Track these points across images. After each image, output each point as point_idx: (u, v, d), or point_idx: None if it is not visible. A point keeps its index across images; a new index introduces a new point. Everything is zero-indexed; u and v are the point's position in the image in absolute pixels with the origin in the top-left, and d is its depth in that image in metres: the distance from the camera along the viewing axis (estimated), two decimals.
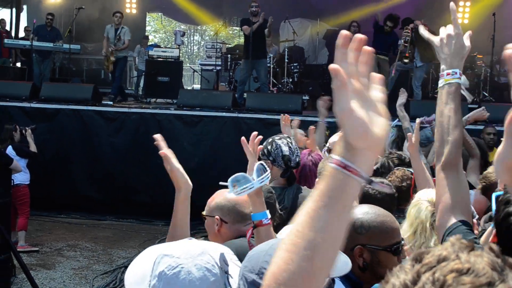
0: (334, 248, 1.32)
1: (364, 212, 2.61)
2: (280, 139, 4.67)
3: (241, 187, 2.72)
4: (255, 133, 3.26)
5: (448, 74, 2.50)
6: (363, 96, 1.30)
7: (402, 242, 2.66)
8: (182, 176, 2.85)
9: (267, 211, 2.85)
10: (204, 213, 3.23)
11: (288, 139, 4.70)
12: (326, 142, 6.70)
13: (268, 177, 2.79)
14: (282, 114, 6.53)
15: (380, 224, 2.58)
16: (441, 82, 2.53)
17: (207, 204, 3.21)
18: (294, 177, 4.74)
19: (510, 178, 1.38)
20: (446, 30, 2.58)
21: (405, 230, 3.14)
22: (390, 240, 2.58)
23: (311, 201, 1.31)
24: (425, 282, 0.97)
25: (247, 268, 1.95)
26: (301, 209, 1.33)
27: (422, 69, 13.77)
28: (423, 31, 2.70)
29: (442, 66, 2.55)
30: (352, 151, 1.29)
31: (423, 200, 3.19)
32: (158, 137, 2.86)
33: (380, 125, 1.30)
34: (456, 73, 2.51)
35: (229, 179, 2.72)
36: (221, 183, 2.74)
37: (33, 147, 9.70)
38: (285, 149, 4.60)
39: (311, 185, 4.91)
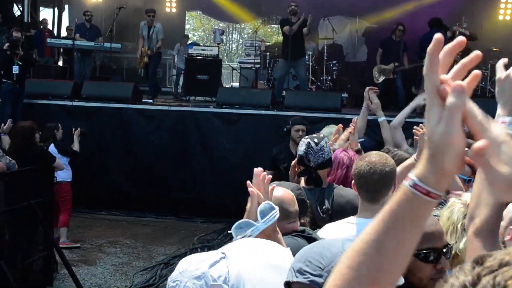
0: (398, 273, 1.27)
1: None
2: (306, 138, 4.62)
3: (243, 233, 2.64)
4: (262, 173, 2.89)
5: (504, 122, 1.98)
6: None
7: (445, 249, 2.46)
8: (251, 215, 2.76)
9: (287, 250, 2.81)
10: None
11: (315, 139, 4.56)
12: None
13: (275, 216, 2.64)
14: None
15: None
16: None
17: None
18: (320, 180, 4.56)
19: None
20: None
21: None
22: (420, 245, 2.37)
23: (380, 221, 1.24)
24: (485, 285, 0.94)
25: (296, 259, 1.98)
26: (369, 227, 1.27)
27: None
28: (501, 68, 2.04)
29: (499, 111, 2.02)
30: (439, 175, 1.20)
31: (457, 202, 3.13)
32: (258, 171, 2.78)
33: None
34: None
35: (232, 228, 2.64)
36: (229, 231, 2.66)
37: (76, 147, 9.83)
38: (302, 148, 4.52)
39: (346, 181, 4.76)
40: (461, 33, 12.58)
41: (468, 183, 4.26)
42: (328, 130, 6.73)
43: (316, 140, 4.55)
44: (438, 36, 1.19)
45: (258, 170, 2.87)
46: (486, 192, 1.94)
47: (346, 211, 4.09)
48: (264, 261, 2.11)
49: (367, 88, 7.19)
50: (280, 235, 2.74)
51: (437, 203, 1.23)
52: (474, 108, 1.18)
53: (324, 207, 4.29)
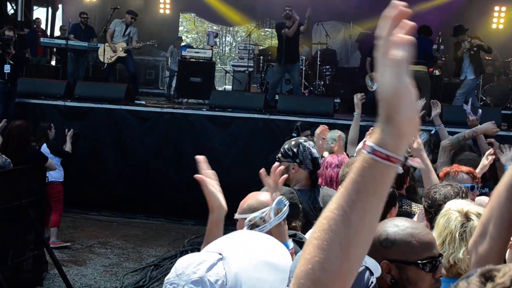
0: (367, 243, 1.25)
1: (393, 224, 2.38)
2: (306, 141, 4.68)
3: (257, 227, 2.67)
4: (276, 164, 3.11)
5: None
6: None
7: (440, 258, 2.41)
8: (216, 199, 2.83)
9: (290, 241, 2.83)
10: (236, 215, 3.24)
11: (312, 142, 4.74)
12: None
13: (286, 211, 2.71)
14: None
15: (408, 236, 2.34)
16: None
17: (240, 206, 3.21)
18: (317, 178, 4.75)
19: None
20: None
21: None
22: (420, 255, 2.33)
23: (344, 194, 1.23)
24: None
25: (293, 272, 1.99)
26: (332, 203, 1.24)
27: (475, 82, 13.20)
28: None
29: None
30: (396, 136, 1.20)
31: (453, 210, 3.09)
32: (200, 158, 2.83)
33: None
34: None
35: (245, 222, 2.69)
36: (236, 217, 2.71)
37: (68, 147, 9.83)
38: (314, 151, 4.62)
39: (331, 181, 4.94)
40: (479, 46, 12.67)
41: (471, 190, 4.28)
42: (331, 135, 6.79)
43: (312, 144, 4.69)
44: (397, 2, 1.25)
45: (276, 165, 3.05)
46: (492, 225, 1.92)
47: None
48: (262, 259, 2.12)
49: (359, 95, 7.22)
50: (286, 227, 2.83)
51: (397, 168, 1.22)
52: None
53: (317, 206, 4.34)
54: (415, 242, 2.34)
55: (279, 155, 4.67)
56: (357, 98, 7.12)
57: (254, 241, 2.28)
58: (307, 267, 1.23)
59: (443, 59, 13.84)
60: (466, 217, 3.00)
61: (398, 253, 2.31)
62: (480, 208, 3.02)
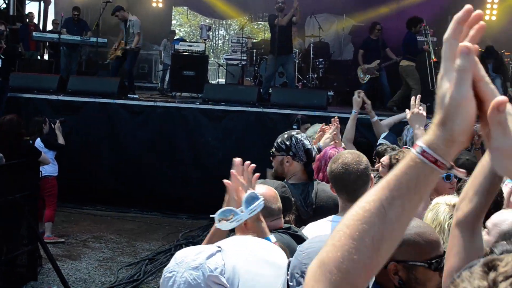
0: (397, 242, 1.26)
1: None
2: (298, 133, 4.68)
3: (228, 221, 2.63)
4: (247, 162, 2.93)
5: None
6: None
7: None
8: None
9: (271, 236, 2.83)
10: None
11: (303, 134, 4.75)
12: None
13: (260, 206, 2.67)
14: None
15: (416, 236, 2.30)
16: None
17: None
18: (313, 171, 4.74)
19: None
20: None
21: None
22: (428, 254, 2.31)
23: (385, 189, 1.22)
24: None
25: (308, 264, 1.98)
26: (369, 195, 1.25)
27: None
28: None
29: None
30: (448, 142, 1.19)
31: (440, 204, 3.11)
32: (237, 162, 2.79)
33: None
34: None
35: (216, 214, 2.65)
36: (211, 216, 2.69)
37: (61, 140, 9.81)
38: (307, 142, 4.62)
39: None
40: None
41: (447, 180, 4.29)
42: (313, 130, 6.78)
43: (304, 135, 4.71)
44: (469, 6, 1.21)
45: (237, 160, 2.87)
46: (472, 189, 1.97)
47: (329, 206, 4.15)
48: (258, 256, 2.15)
49: (358, 92, 7.13)
50: (264, 224, 2.77)
51: (441, 174, 1.21)
52: (482, 72, 1.18)
53: (308, 201, 4.33)
54: (423, 242, 2.32)
55: (273, 149, 4.67)
56: (357, 95, 7.05)
57: (251, 241, 2.30)
58: (336, 255, 1.23)
59: (436, 49, 13.85)
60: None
61: (405, 253, 2.26)
62: None
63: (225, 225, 2.64)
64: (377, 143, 6.71)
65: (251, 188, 2.74)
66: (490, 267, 0.99)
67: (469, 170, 4.97)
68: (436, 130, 1.20)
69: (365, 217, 1.22)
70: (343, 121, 6.96)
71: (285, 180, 4.55)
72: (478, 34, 1.21)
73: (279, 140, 4.66)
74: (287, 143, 4.59)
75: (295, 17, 13.00)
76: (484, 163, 1.96)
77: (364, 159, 3.65)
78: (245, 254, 2.17)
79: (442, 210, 3.05)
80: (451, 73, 1.18)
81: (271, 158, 4.74)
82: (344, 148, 5.42)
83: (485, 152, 1.91)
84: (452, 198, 3.12)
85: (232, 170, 2.78)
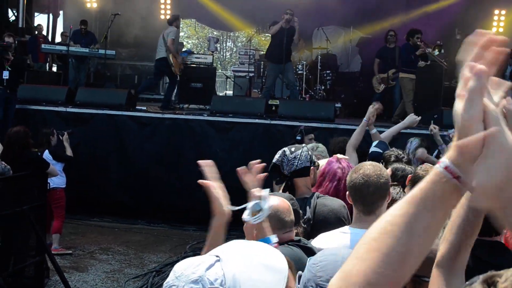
0: (423, 256, 1.26)
1: None
2: (287, 147, 4.64)
3: (254, 216, 2.70)
4: (256, 161, 3.06)
5: None
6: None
7: None
8: (219, 204, 2.84)
9: (273, 236, 2.81)
10: (244, 217, 3.25)
11: (292, 148, 4.59)
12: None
13: (265, 215, 2.70)
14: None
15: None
16: None
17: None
18: (292, 187, 4.54)
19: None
20: None
21: None
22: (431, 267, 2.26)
23: (410, 203, 1.23)
24: None
25: (323, 278, 1.95)
26: (395, 209, 1.25)
27: None
28: None
29: None
30: (469, 161, 1.19)
31: None
32: (203, 163, 2.83)
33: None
34: None
35: (248, 207, 2.68)
36: (236, 208, 2.70)
37: (69, 152, 9.83)
38: (277, 157, 4.56)
39: (338, 193, 4.71)
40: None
41: None
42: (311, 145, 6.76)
43: (292, 149, 4.57)
44: (481, 31, 1.21)
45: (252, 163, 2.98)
46: (449, 228, 1.93)
47: (329, 220, 4.09)
48: (258, 261, 2.13)
49: (377, 105, 7.07)
50: (267, 223, 2.78)
51: (464, 192, 1.22)
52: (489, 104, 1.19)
53: (305, 217, 4.26)
54: (431, 255, 2.27)
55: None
56: (373, 108, 6.98)
57: (249, 246, 2.29)
58: (362, 268, 1.23)
59: (444, 62, 13.84)
60: None
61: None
62: None
63: (253, 219, 2.69)
64: (369, 151, 6.69)
65: (259, 189, 2.78)
66: (489, 283, 0.99)
67: None
68: (455, 146, 1.22)
69: (392, 231, 1.22)
70: (350, 133, 6.95)
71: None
72: (497, 56, 1.21)
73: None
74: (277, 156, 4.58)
75: (295, 37, 13.10)
76: (460, 202, 1.94)
77: (385, 173, 3.62)
78: (245, 261, 2.16)
79: None
80: (463, 95, 1.20)
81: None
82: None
83: None
84: None
85: (238, 168, 2.97)
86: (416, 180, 3.84)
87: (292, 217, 3.28)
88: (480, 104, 1.17)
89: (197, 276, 2.06)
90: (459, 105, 1.20)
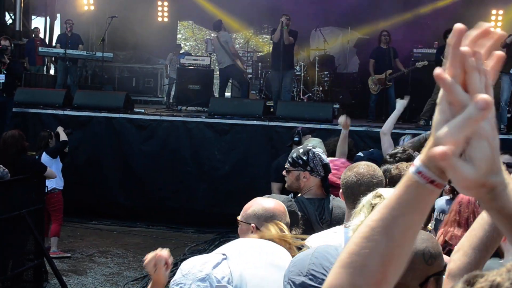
0: (406, 259, 1.25)
1: (422, 239, 2.25)
2: (314, 148, 4.61)
3: None
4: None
5: None
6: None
7: None
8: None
9: None
10: (239, 218, 3.24)
11: (319, 149, 4.64)
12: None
13: None
14: None
15: (438, 246, 2.29)
16: None
17: (244, 210, 3.19)
18: (329, 186, 4.63)
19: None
20: None
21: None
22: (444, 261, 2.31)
23: (387, 208, 1.23)
24: None
25: (294, 272, 1.97)
26: (374, 213, 1.25)
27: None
28: None
29: None
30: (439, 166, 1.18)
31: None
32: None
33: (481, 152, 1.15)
34: None
35: None
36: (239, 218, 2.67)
37: (63, 136, 9.66)
38: (324, 157, 4.56)
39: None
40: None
41: None
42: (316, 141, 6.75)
43: (321, 150, 4.63)
44: (458, 26, 1.15)
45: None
46: (468, 242, 1.90)
47: (343, 222, 4.11)
48: (264, 260, 2.13)
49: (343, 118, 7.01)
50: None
51: (440, 192, 1.21)
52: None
53: (323, 217, 4.27)
54: (441, 249, 2.33)
55: (287, 165, 4.61)
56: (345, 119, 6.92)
57: (255, 245, 2.28)
58: (345, 273, 1.24)
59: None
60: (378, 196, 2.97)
61: (437, 266, 2.23)
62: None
63: None
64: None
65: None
66: (471, 283, 0.99)
67: None
68: (427, 148, 1.19)
69: (373, 235, 1.23)
70: (349, 133, 6.95)
71: (300, 195, 4.51)
72: (497, 65, 1.18)
73: (294, 155, 4.57)
74: (304, 158, 4.51)
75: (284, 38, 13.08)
76: (484, 216, 1.91)
77: (379, 173, 3.63)
78: (251, 259, 2.16)
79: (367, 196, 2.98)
80: (448, 105, 1.15)
81: (284, 173, 4.68)
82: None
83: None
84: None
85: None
86: (392, 180, 3.83)
87: (288, 220, 3.27)
88: (468, 132, 1.11)
89: (204, 274, 2.06)
90: (441, 117, 1.15)
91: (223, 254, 2.16)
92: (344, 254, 1.27)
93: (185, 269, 2.14)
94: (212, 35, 26.89)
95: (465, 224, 3.71)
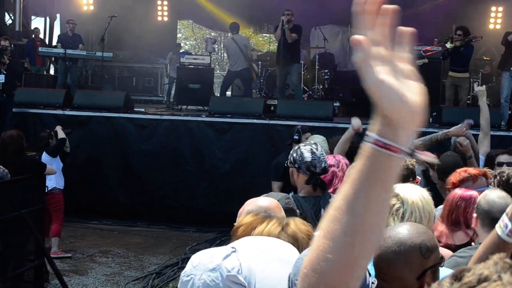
0: (374, 234, 1.24)
1: (418, 232, 2.26)
2: (305, 145, 4.60)
3: None
4: None
5: None
6: (390, 63, 1.21)
7: None
8: None
9: None
10: (236, 224, 3.22)
11: (313, 146, 4.61)
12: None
13: None
14: None
15: (434, 238, 2.32)
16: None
17: (238, 215, 3.18)
18: (324, 184, 4.60)
19: None
20: None
21: None
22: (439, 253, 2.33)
23: (348, 184, 1.23)
24: None
25: (296, 273, 1.97)
26: (338, 193, 1.26)
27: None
28: None
29: None
30: (391, 126, 1.19)
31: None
32: None
33: (414, 90, 1.21)
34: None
35: None
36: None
37: (61, 134, 9.66)
38: (307, 155, 4.49)
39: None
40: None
41: None
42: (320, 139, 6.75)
43: (315, 146, 4.58)
44: None
45: None
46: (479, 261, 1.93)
47: None
48: (272, 255, 2.15)
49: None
50: None
51: (400, 158, 1.21)
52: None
53: (319, 215, 4.27)
54: (437, 242, 2.34)
55: (287, 161, 4.63)
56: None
57: (263, 240, 2.30)
58: (312, 256, 1.24)
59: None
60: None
61: (434, 259, 2.25)
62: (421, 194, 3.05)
63: None
64: None
65: None
66: (458, 277, 0.99)
67: (452, 166, 5.06)
68: (377, 117, 1.22)
69: (335, 216, 1.23)
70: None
71: (295, 193, 4.51)
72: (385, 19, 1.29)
73: (291, 151, 4.63)
74: (294, 155, 4.54)
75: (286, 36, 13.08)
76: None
77: None
78: (259, 254, 2.18)
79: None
80: (361, 63, 1.24)
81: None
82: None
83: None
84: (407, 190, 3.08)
85: None
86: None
87: (283, 214, 3.25)
88: (373, 69, 1.19)
89: (215, 264, 2.08)
90: (361, 71, 1.23)
91: (232, 248, 2.18)
92: (315, 238, 1.27)
93: (195, 261, 2.16)
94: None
95: (447, 219, 3.75)
